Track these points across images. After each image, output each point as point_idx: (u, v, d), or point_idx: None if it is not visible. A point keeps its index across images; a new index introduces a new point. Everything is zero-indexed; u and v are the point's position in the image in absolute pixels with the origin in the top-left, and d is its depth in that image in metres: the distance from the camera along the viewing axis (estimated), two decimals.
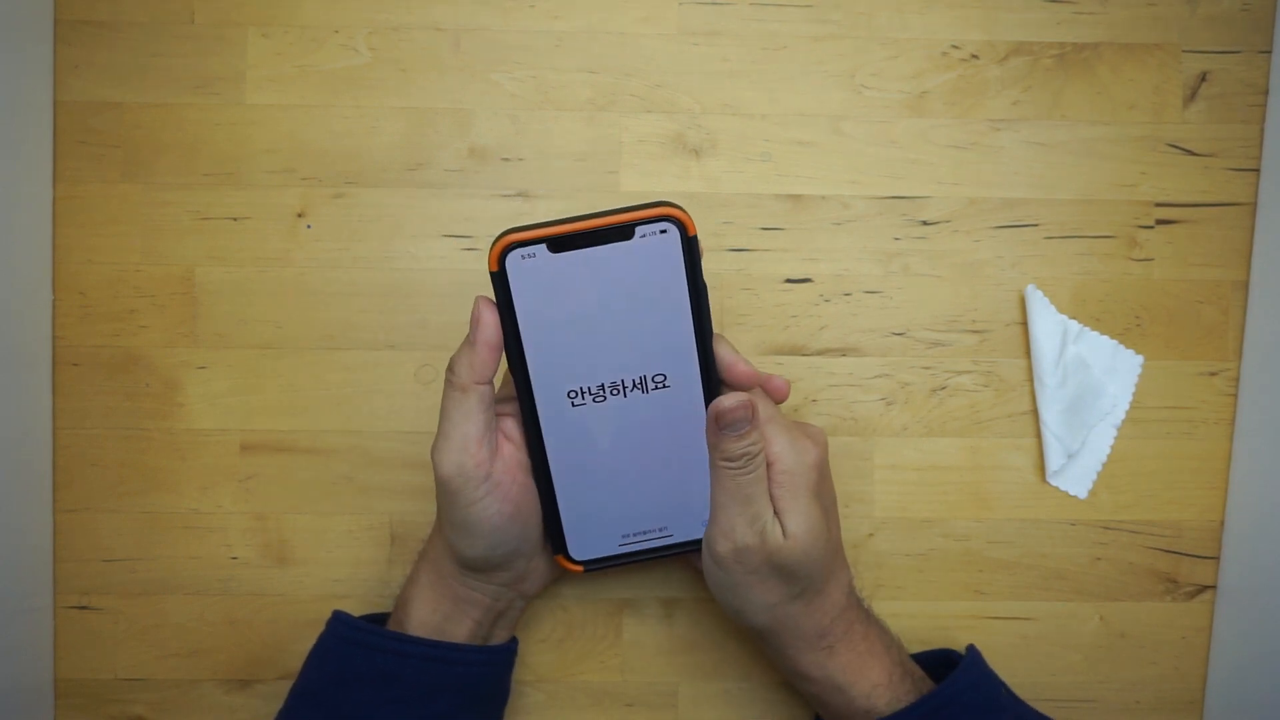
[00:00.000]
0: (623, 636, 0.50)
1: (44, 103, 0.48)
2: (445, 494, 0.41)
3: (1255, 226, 0.50)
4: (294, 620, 0.49)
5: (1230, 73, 0.50)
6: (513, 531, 0.41)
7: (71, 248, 0.49)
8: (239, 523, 0.49)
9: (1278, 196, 0.48)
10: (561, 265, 0.38)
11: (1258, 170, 0.49)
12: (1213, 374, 0.50)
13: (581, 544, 0.43)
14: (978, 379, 0.50)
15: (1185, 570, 0.50)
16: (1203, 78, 0.50)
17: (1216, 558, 0.50)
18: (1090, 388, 0.49)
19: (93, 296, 0.49)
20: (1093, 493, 0.50)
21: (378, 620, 0.45)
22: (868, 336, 0.50)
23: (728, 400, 0.39)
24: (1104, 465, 0.50)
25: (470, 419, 0.40)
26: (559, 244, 0.38)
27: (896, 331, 0.50)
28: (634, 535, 0.43)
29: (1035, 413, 0.49)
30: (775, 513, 0.40)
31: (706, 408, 0.41)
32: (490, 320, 0.39)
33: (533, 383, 0.40)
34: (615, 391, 0.40)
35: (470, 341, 0.40)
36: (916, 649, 0.48)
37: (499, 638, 0.45)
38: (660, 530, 0.43)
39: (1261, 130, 0.50)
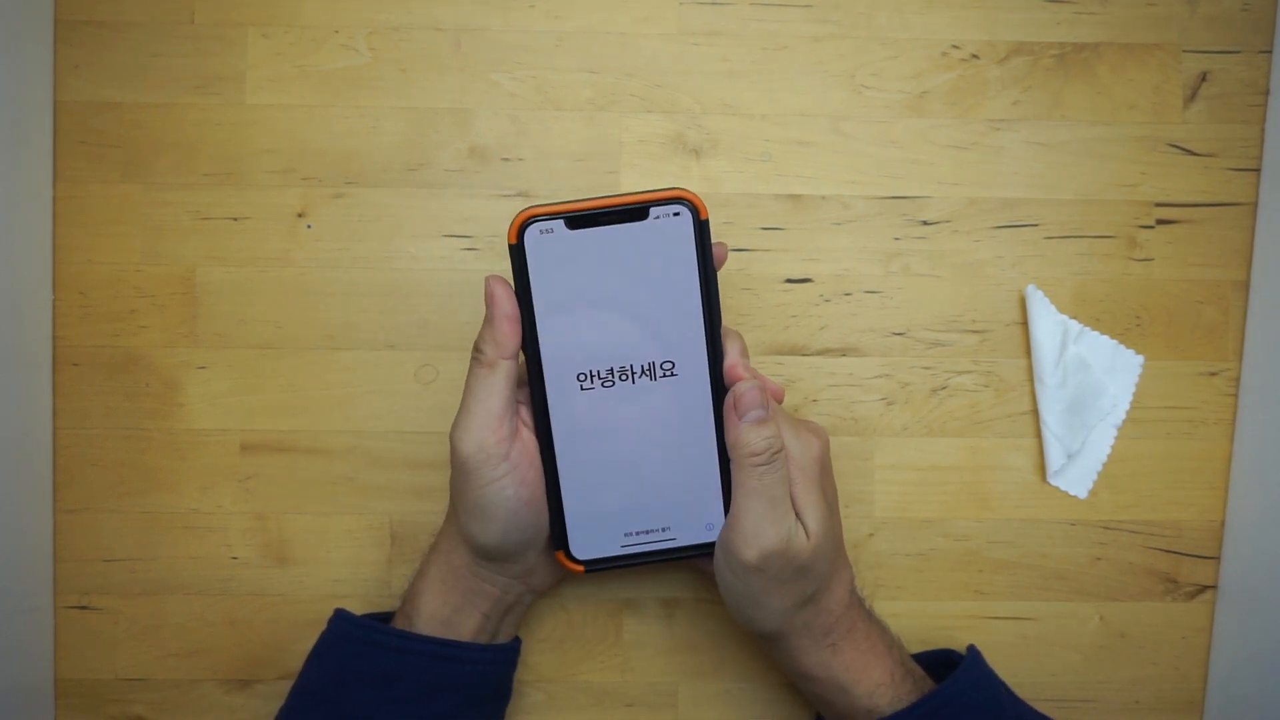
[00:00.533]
0: (623, 636, 0.50)
1: (44, 103, 0.48)
2: (462, 474, 0.41)
3: (1255, 226, 0.50)
4: (294, 620, 0.49)
5: (1230, 73, 0.50)
6: (527, 518, 0.41)
7: (71, 248, 0.49)
8: (239, 523, 0.49)
9: (1278, 196, 0.48)
10: (578, 241, 0.40)
11: (1258, 170, 0.49)
12: (1213, 374, 0.50)
13: (584, 540, 0.43)
14: (978, 379, 0.50)
15: (1185, 570, 0.50)
16: (1203, 78, 0.50)
17: (1216, 558, 0.50)
18: (1090, 388, 0.49)
19: (93, 296, 0.49)
20: (1093, 493, 0.50)
21: (379, 619, 0.45)
22: (868, 336, 0.50)
23: (741, 385, 0.41)
24: (1104, 465, 0.50)
25: (494, 394, 0.40)
26: (576, 221, 0.39)
27: (897, 331, 0.50)
28: (636, 534, 0.43)
29: (1035, 413, 0.49)
30: (796, 512, 0.41)
31: (713, 399, 0.41)
32: (504, 294, 0.40)
33: (543, 361, 0.41)
34: (624, 377, 0.41)
35: (489, 318, 0.40)
36: (916, 649, 0.48)
37: (505, 634, 0.45)
38: (663, 530, 0.43)
39: (1261, 130, 0.50)
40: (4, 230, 0.45)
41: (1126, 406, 0.50)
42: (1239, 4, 0.50)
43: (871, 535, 0.50)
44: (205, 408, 0.49)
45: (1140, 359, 0.50)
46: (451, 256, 0.49)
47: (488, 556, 0.43)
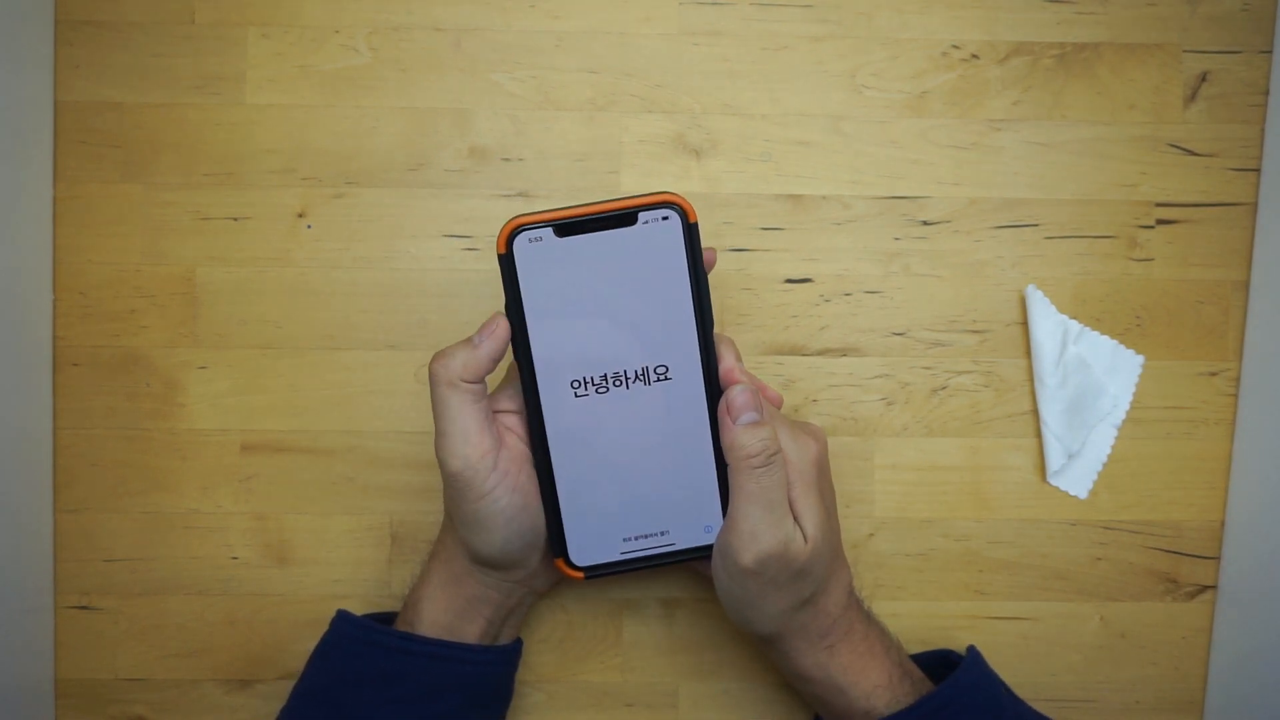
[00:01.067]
0: (623, 636, 0.50)
1: (44, 103, 0.48)
2: (455, 489, 0.40)
3: (1255, 226, 0.50)
4: (294, 620, 0.49)
5: (1230, 73, 0.50)
6: (525, 523, 0.41)
7: (72, 248, 0.49)
8: (239, 523, 0.49)
9: (1278, 196, 0.48)
10: (567, 249, 0.39)
11: (1258, 170, 0.49)
12: (1213, 374, 0.50)
13: (582, 547, 0.43)
14: (978, 379, 0.50)
15: (1185, 570, 0.50)
16: (1203, 78, 0.50)
17: (1216, 558, 0.50)
18: (1091, 388, 0.49)
19: (93, 296, 0.49)
20: (1093, 493, 0.50)
21: (381, 619, 0.45)
22: (868, 336, 0.50)
23: (734, 388, 0.40)
24: (1104, 465, 0.50)
25: (465, 411, 0.40)
26: (565, 228, 0.39)
27: (897, 331, 0.50)
28: (634, 538, 0.43)
29: (1035, 413, 0.49)
30: (794, 515, 0.40)
31: (708, 402, 0.41)
32: (503, 335, 0.40)
33: (536, 370, 0.40)
34: (618, 382, 0.41)
35: (474, 345, 0.40)
36: (916, 649, 0.48)
37: (507, 636, 0.45)
38: (661, 534, 0.43)
39: (1261, 130, 0.50)
40: (4, 230, 0.45)
41: (1126, 406, 0.50)
42: (1239, 4, 0.50)
43: (871, 535, 0.50)
44: (205, 408, 0.49)
45: (1140, 359, 0.50)
46: (451, 256, 0.49)
47: (489, 564, 0.43)
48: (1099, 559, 0.50)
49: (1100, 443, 0.49)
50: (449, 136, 0.49)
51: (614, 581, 0.49)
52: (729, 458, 0.40)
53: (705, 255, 0.41)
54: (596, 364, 0.41)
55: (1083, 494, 0.50)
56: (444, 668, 0.43)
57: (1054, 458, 0.49)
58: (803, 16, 0.49)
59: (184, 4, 0.49)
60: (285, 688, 0.46)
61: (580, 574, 0.43)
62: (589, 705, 0.49)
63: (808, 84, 0.49)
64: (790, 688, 0.49)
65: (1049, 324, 0.49)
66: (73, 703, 0.49)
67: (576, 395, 0.41)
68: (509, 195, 0.49)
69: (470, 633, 0.43)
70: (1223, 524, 0.50)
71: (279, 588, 0.49)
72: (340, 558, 0.49)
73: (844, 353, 0.50)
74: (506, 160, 0.49)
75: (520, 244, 0.39)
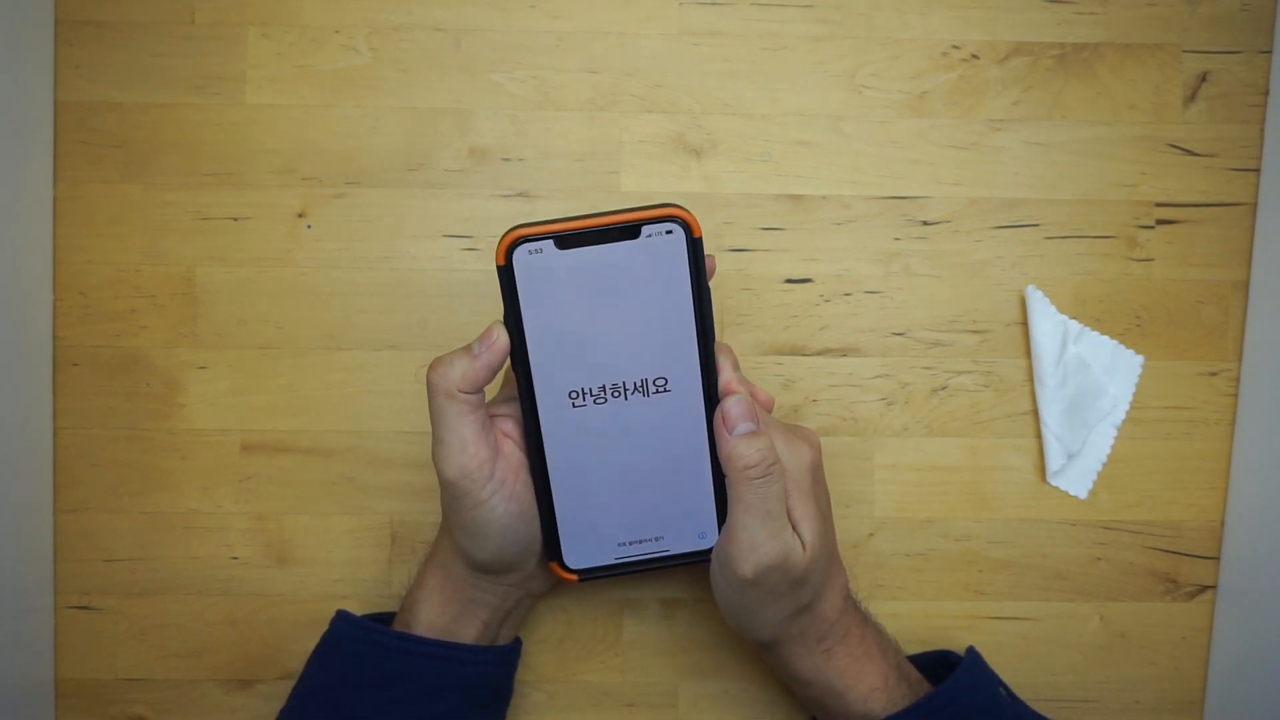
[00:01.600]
0: (623, 636, 0.50)
1: (44, 103, 0.48)
2: (451, 497, 0.40)
3: (1255, 226, 0.50)
4: (294, 620, 0.49)
5: (1230, 73, 0.50)
6: (521, 530, 0.41)
7: (71, 248, 0.49)
8: (239, 523, 0.49)
9: (1278, 196, 0.48)
10: (568, 262, 0.38)
11: (1258, 170, 0.49)
12: (1213, 374, 0.50)
13: (577, 551, 0.43)
14: (978, 379, 0.50)
15: (1185, 570, 0.50)
16: (1203, 78, 0.50)
17: (1216, 558, 0.50)
18: (1091, 388, 0.49)
19: (93, 296, 0.49)
20: (1093, 493, 0.50)
21: (380, 620, 0.45)
22: (868, 336, 0.50)
23: (728, 399, 0.40)
24: (1104, 465, 0.50)
25: (463, 420, 0.39)
26: (566, 241, 0.38)
27: (897, 331, 0.50)
28: (629, 543, 0.43)
29: (1035, 413, 0.49)
30: (793, 525, 0.40)
31: (706, 413, 0.41)
32: (502, 347, 0.39)
33: (534, 381, 0.40)
34: (616, 394, 0.40)
35: (473, 355, 0.39)
36: (916, 649, 0.48)
37: (505, 637, 0.45)
38: (656, 539, 0.43)
39: (1261, 130, 0.50)
40: (4, 230, 0.45)
41: (1126, 406, 0.50)
42: (1239, 4, 0.50)
43: (871, 535, 0.50)
44: (205, 408, 0.49)
45: (1140, 359, 0.50)
46: (451, 256, 0.49)
47: (485, 569, 0.43)
48: (1099, 559, 0.50)
49: (1100, 443, 0.49)
50: (449, 136, 0.49)
51: (613, 581, 0.49)
52: (726, 469, 0.40)
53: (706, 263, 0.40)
54: (595, 376, 0.40)
55: (1083, 494, 0.50)
56: (443, 668, 0.43)
57: (1054, 458, 0.49)
58: (803, 16, 0.49)
59: (184, 4, 0.49)
60: (285, 688, 0.46)
61: (574, 576, 0.43)
62: (589, 705, 0.49)
63: (808, 84, 0.49)
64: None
65: (1049, 324, 0.49)
66: (73, 703, 0.49)
67: (574, 406, 0.40)
68: (509, 195, 0.49)
69: (467, 635, 0.43)
70: (1223, 524, 0.50)
71: (279, 588, 0.49)
72: (340, 558, 0.49)
73: (844, 353, 0.50)
74: (506, 160, 0.49)
75: (520, 256, 0.38)
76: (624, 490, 0.42)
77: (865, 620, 0.44)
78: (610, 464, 0.41)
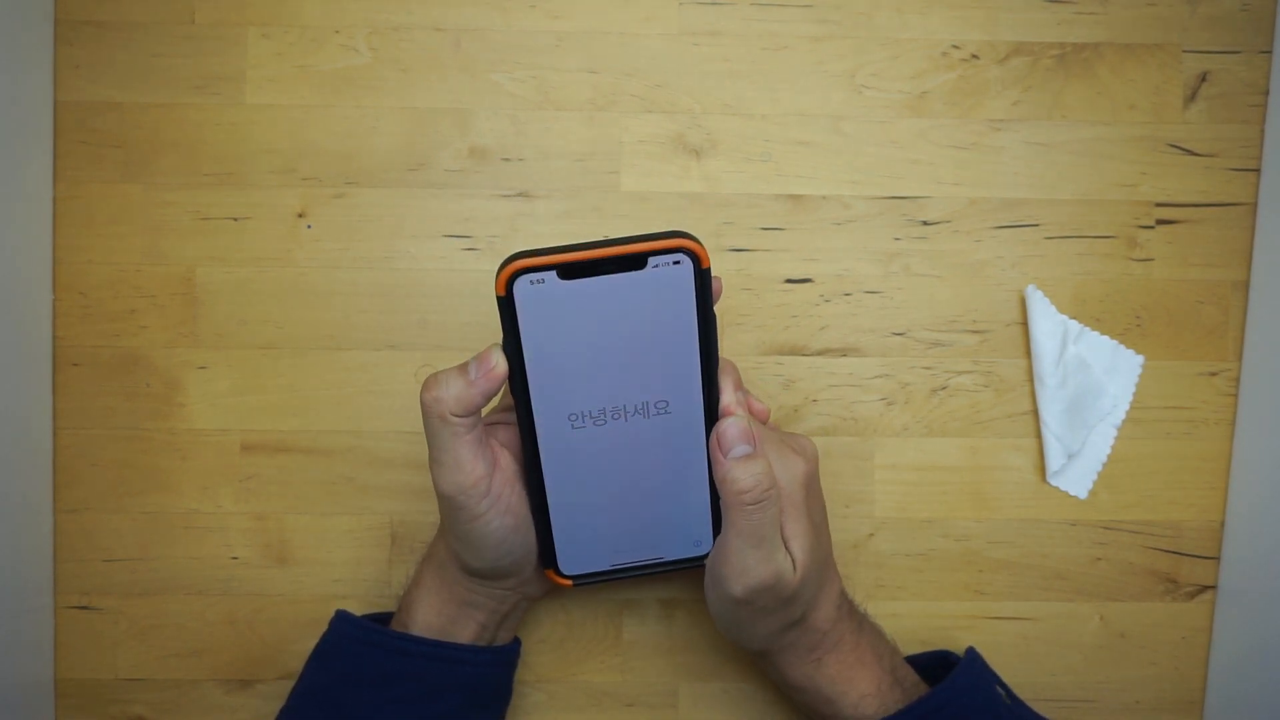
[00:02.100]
0: (623, 636, 0.50)
1: (44, 103, 0.48)
2: (447, 510, 0.40)
3: (1255, 226, 0.50)
4: (294, 620, 0.49)
5: (1230, 73, 0.50)
6: (517, 541, 0.41)
7: (71, 248, 0.49)
8: (239, 523, 0.49)
9: (1278, 196, 0.48)
10: (570, 292, 0.37)
11: (1258, 170, 0.49)
12: (1213, 374, 0.50)
13: (572, 559, 0.43)
14: (978, 379, 0.50)
15: (1185, 570, 0.50)
16: (1203, 78, 0.50)
17: (1216, 558, 0.50)
18: (1091, 388, 0.49)
19: (93, 296, 0.49)
20: (1093, 493, 0.50)
21: (380, 620, 0.45)
22: (868, 336, 0.50)
23: (724, 421, 0.40)
24: (1104, 465, 0.50)
25: (458, 441, 0.39)
26: (569, 271, 0.37)
27: (897, 332, 0.50)
28: (624, 550, 0.43)
29: (1035, 413, 0.49)
30: (785, 544, 0.40)
31: (706, 434, 0.40)
32: (500, 374, 0.38)
33: (534, 406, 0.39)
34: (616, 416, 0.39)
35: (469, 380, 0.38)
36: (916, 649, 0.48)
37: (502, 639, 0.45)
38: (650, 546, 0.43)
39: (1261, 130, 0.50)
40: (4, 230, 0.45)
41: (1126, 406, 0.50)
42: (1239, 4, 0.50)
43: (871, 535, 0.50)
44: (205, 408, 0.49)
45: (1140, 359, 0.50)
46: (451, 256, 0.49)
47: (480, 575, 0.43)
48: (1099, 559, 0.50)
49: (1100, 443, 0.49)
50: (449, 136, 0.49)
51: (612, 582, 0.49)
52: (721, 491, 0.39)
53: (713, 286, 0.39)
54: (595, 401, 0.39)
55: (1083, 494, 0.50)
56: (443, 668, 0.43)
57: (1054, 458, 0.49)
58: (803, 16, 0.49)
59: (184, 4, 0.49)
60: (285, 688, 0.46)
61: (569, 582, 0.43)
62: (589, 705, 0.49)
63: (808, 84, 0.49)
64: None
65: (1049, 324, 0.49)
66: (73, 703, 0.49)
67: (574, 428, 0.39)
68: (509, 195, 0.49)
69: (463, 636, 0.43)
70: (1223, 524, 0.50)
71: (279, 588, 0.49)
72: (340, 558, 0.49)
73: (844, 353, 0.50)
74: (506, 160, 0.49)
75: (521, 286, 0.37)
76: (620, 504, 0.41)
77: (860, 626, 0.44)
78: (607, 480, 0.41)
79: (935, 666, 0.46)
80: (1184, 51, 0.50)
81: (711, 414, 0.40)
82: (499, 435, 0.42)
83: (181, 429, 0.49)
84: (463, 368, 0.39)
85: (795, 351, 0.50)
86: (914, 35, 0.49)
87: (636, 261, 0.37)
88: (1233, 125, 0.50)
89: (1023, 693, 0.46)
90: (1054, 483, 0.50)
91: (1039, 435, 0.49)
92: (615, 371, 0.39)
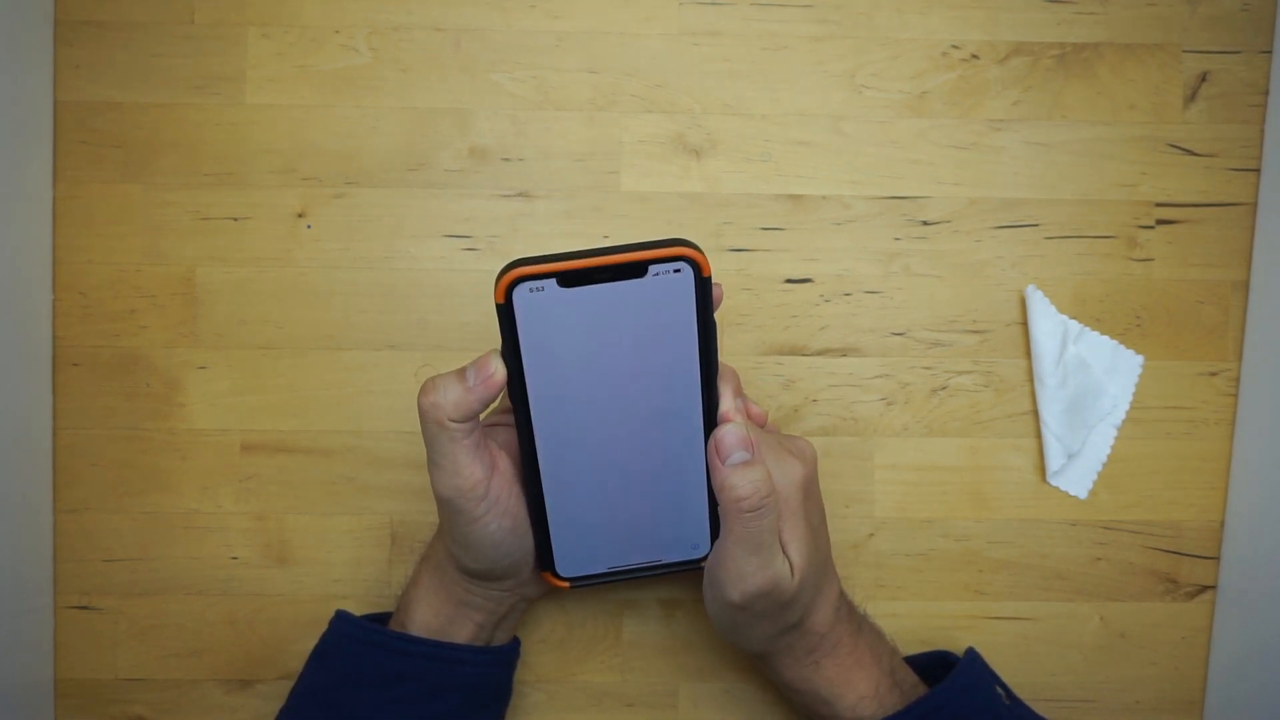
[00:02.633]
0: (623, 636, 0.50)
1: (44, 103, 0.48)
2: (445, 513, 0.40)
3: (1255, 226, 0.50)
4: (294, 620, 0.49)
5: (1230, 73, 0.50)
6: (515, 544, 0.41)
7: (71, 248, 0.49)
8: (239, 523, 0.49)
9: (1278, 196, 0.48)
10: (570, 300, 0.37)
11: (1258, 170, 0.49)
12: (1213, 374, 0.50)
13: (570, 561, 0.43)
14: (978, 379, 0.50)
15: (1185, 570, 0.50)
16: (1203, 78, 0.50)
17: (1216, 558, 0.50)
18: (1090, 388, 0.49)
19: (93, 296, 0.49)
20: (1093, 493, 0.50)
21: (379, 620, 0.45)
22: (868, 336, 0.50)
23: (722, 428, 0.39)
24: (1104, 465, 0.50)
25: (456, 446, 0.39)
26: (569, 279, 0.36)
27: (897, 332, 0.50)
28: (621, 553, 0.43)
29: (1035, 413, 0.49)
30: (783, 548, 0.40)
31: (705, 441, 0.40)
32: (498, 381, 0.38)
33: (532, 412, 0.39)
34: (615, 421, 0.39)
35: (467, 386, 0.38)
36: (916, 649, 0.48)
37: (500, 639, 0.45)
38: (648, 548, 0.43)
39: (1261, 130, 0.50)
40: (4, 230, 0.45)
41: (1126, 406, 0.50)
42: (1239, 4, 0.50)
43: (871, 535, 0.50)
44: (205, 408, 0.49)
45: (1140, 359, 0.50)
46: (451, 256, 0.49)
47: (478, 577, 0.43)
48: (1099, 559, 0.50)
49: (1100, 443, 0.49)
50: (449, 136, 0.49)
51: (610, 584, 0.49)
52: (719, 497, 0.39)
53: (714, 293, 0.39)
54: (595, 406, 0.39)
55: (1083, 494, 0.50)
56: (443, 668, 0.43)
57: (1054, 458, 0.49)
58: (803, 16, 0.49)
59: (184, 4, 0.49)
60: (285, 688, 0.46)
61: (566, 584, 0.43)
62: (589, 705, 0.49)
63: (808, 84, 0.49)
64: None
65: (1049, 324, 0.49)
66: (73, 703, 0.49)
67: (572, 433, 0.39)
68: (509, 195, 0.49)
69: (461, 636, 0.43)
70: (1223, 524, 0.50)
71: (279, 588, 0.49)
72: (340, 558, 0.49)
73: (844, 353, 0.50)
74: (506, 160, 0.49)
75: (520, 293, 0.36)
76: (618, 507, 0.41)
77: (859, 628, 0.44)
78: (605, 484, 0.41)
79: (935, 667, 0.46)
80: (1184, 51, 0.50)
81: (710, 420, 0.40)
82: (498, 437, 0.42)
83: (181, 429, 0.49)
84: (461, 372, 0.38)
85: (795, 351, 0.50)
86: (914, 35, 0.49)
87: (637, 270, 0.36)
88: (1233, 125, 0.50)
89: (1023, 693, 0.46)
90: (1054, 483, 0.50)
91: (1039, 435, 0.49)
92: (614, 378, 0.38)
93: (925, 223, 0.50)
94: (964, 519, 0.50)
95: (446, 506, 0.40)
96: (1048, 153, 0.50)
